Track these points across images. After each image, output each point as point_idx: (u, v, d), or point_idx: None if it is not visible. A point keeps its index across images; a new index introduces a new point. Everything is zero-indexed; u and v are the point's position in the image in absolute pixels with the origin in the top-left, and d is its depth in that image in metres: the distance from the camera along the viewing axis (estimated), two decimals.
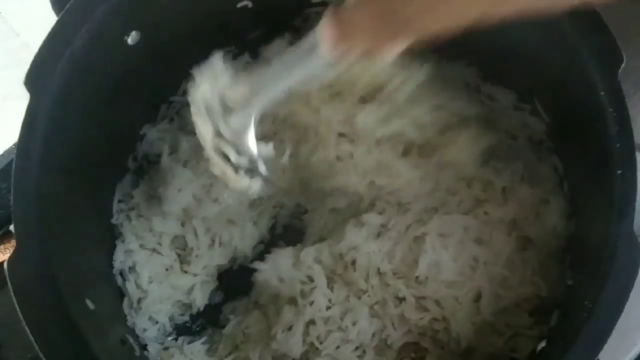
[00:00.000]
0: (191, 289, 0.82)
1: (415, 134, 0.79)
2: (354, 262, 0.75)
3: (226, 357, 0.76)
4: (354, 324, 0.72)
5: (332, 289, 0.75)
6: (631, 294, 0.55)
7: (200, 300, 0.83)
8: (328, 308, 0.73)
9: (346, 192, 0.81)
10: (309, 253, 0.77)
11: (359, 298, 0.73)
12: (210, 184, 0.83)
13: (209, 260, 0.83)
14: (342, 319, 0.73)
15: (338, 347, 0.72)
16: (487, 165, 0.79)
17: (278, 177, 0.82)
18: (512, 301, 0.72)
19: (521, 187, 0.77)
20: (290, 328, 0.74)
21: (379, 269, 0.74)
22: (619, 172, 0.59)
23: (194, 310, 0.83)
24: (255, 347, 0.75)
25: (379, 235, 0.77)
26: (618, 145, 0.60)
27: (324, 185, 0.82)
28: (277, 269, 0.79)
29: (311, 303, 0.73)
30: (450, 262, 0.72)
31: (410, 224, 0.76)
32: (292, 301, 0.76)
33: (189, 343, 0.80)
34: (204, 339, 0.80)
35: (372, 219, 0.77)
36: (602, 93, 0.62)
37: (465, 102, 0.81)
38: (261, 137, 0.72)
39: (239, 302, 0.82)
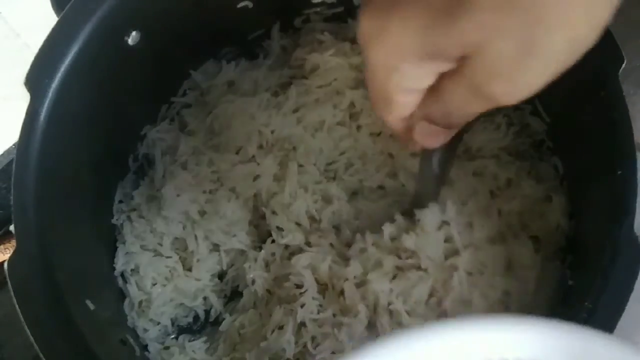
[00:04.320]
0: (196, 293, 0.82)
1: None
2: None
3: (225, 357, 0.76)
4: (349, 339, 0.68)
5: (324, 295, 0.73)
6: (631, 295, 0.55)
7: (208, 304, 0.83)
8: (319, 312, 0.72)
9: None
10: (299, 260, 0.75)
11: (356, 316, 0.68)
12: (210, 191, 0.83)
13: (211, 265, 0.82)
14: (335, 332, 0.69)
15: (333, 352, 0.70)
16: (500, 159, 0.79)
17: None
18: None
19: (527, 181, 0.76)
20: (281, 327, 0.73)
21: (388, 304, 0.67)
22: (619, 172, 0.59)
23: (200, 313, 0.83)
24: (252, 349, 0.74)
25: (394, 277, 0.68)
26: (618, 145, 0.60)
27: None
28: (269, 269, 0.79)
29: (302, 305, 0.72)
30: (480, 300, 0.65)
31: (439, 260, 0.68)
32: (284, 302, 0.75)
33: (189, 341, 0.79)
34: (205, 337, 0.80)
35: (390, 262, 0.68)
36: (603, 93, 0.62)
37: None
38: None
39: (236, 302, 0.82)
